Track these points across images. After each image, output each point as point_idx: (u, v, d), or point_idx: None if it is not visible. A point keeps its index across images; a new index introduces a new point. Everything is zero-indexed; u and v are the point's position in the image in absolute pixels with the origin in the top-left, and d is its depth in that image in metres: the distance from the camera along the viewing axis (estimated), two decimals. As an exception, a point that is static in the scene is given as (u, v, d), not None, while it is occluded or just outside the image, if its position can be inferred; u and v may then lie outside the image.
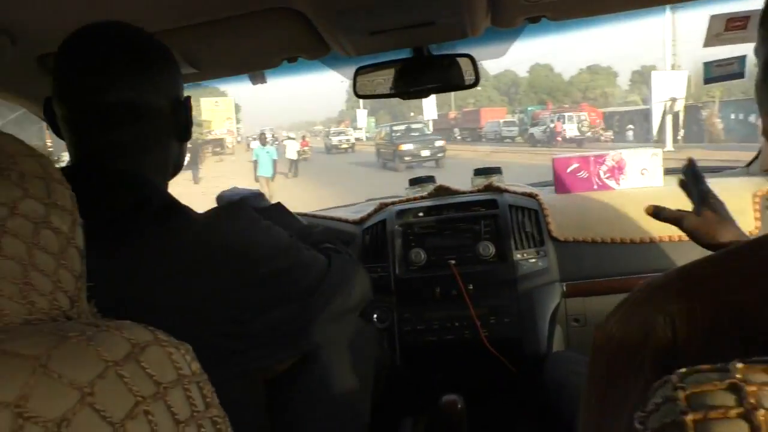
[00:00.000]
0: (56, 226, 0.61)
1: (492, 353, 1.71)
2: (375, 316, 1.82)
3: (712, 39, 1.53)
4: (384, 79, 1.60)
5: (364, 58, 1.57)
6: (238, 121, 54.11)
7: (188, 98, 0.97)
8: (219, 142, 38.11)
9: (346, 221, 2.01)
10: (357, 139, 38.18)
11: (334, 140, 34.81)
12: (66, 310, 0.60)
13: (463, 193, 2.02)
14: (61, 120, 0.91)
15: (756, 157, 1.98)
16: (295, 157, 20.86)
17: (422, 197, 2.05)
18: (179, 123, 0.95)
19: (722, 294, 0.53)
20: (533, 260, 1.78)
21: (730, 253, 0.56)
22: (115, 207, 0.83)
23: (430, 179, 2.19)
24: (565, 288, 1.78)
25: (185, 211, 0.87)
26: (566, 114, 30.96)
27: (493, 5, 1.26)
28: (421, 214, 1.93)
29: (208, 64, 1.41)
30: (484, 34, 1.44)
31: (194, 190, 17.92)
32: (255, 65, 1.51)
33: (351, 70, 1.63)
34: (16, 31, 1.10)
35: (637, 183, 1.91)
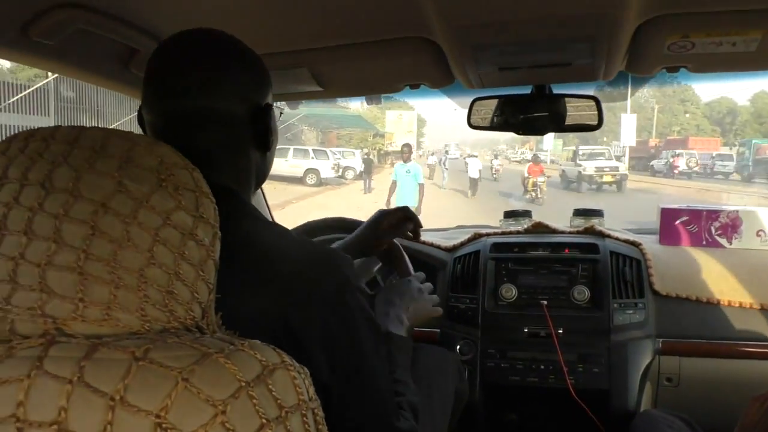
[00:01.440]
0: (200, 239, 0.63)
1: (577, 403, 1.65)
2: (458, 347, 1.80)
3: None
4: (500, 112, 1.58)
5: (483, 90, 1.56)
6: (421, 135, 54.72)
7: (269, 106, 0.92)
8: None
9: (438, 247, 2.00)
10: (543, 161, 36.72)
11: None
12: (199, 320, 0.62)
13: (562, 232, 1.98)
14: (147, 127, 0.91)
15: None
16: (476, 176, 18.89)
17: (518, 232, 2.01)
18: (258, 131, 0.91)
19: None
20: (630, 311, 1.71)
21: None
22: None
23: (527, 213, 2.15)
24: (660, 345, 1.70)
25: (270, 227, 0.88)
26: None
27: (632, 52, 1.23)
28: (516, 249, 1.89)
29: (332, 84, 1.44)
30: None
31: (365, 199, 17.91)
32: (378, 89, 1.54)
33: (467, 99, 1.63)
34: (161, 34, 1.16)
35: (752, 244, 1.81)
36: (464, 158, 19.50)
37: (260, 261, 0.83)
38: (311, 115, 27.77)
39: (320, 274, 0.84)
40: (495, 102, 1.57)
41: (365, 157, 24.26)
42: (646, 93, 50.29)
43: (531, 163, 18.91)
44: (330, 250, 0.95)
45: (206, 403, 0.48)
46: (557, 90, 1.52)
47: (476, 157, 20.23)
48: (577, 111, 1.51)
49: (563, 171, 25.19)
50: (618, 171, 21.84)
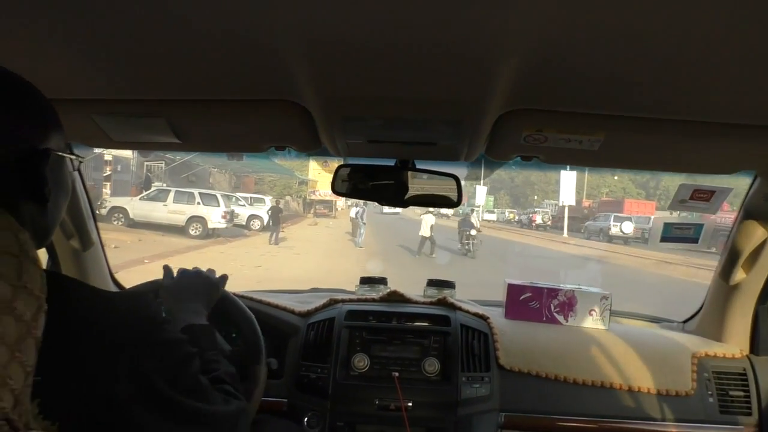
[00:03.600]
0: (20, 313, 0.53)
1: None
2: (306, 419, 1.71)
3: (676, 204, 1.62)
4: (364, 181, 1.58)
5: (348, 158, 1.56)
6: None
7: (47, 151, 0.79)
8: (328, 204, 34.75)
9: (292, 311, 1.92)
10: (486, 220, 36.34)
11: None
12: (9, 411, 0.52)
13: (416, 303, 1.99)
14: None
15: (694, 316, 2.07)
16: (428, 234, 16.48)
17: (374, 299, 2.00)
18: (27, 179, 0.78)
19: None
20: (477, 385, 1.74)
21: None
22: None
23: (383, 281, 2.16)
24: (503, 419, 1.74)
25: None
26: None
27: (492, 139, 1.29)
28: (371, 317, 1.87)
29: (192, 137, 1.35)
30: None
31: (269, 249, 15.71)
32: (242, 147, 1.47)
33: (331, 163, 1.61)
34: None
35: (585, 323, 1.95)
36: (420, 215, 18.08)
37: (78, 333, 0.75)
38: (219, 154, 24.24)
39: (144, 335, 0.83)
40: (359, 170, 1.57)
41: (274, 205, 20.89)
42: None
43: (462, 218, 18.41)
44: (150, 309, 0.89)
45: None
46: (421, 165, 1.56)
47: (431, 213, 17.54)
48: (439, 186, 1.55)
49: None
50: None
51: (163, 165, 26.28)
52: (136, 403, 0.78)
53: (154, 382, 0.81)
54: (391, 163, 1.56)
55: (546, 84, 0.99)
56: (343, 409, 1.72)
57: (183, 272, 1.43)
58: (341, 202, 35.51)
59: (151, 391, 0.80)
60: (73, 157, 0.86)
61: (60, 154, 0.82)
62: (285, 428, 1.62)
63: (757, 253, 1.68)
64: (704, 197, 1.57)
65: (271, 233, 18.61)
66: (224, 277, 1.48)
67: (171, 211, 18.08)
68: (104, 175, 23.84)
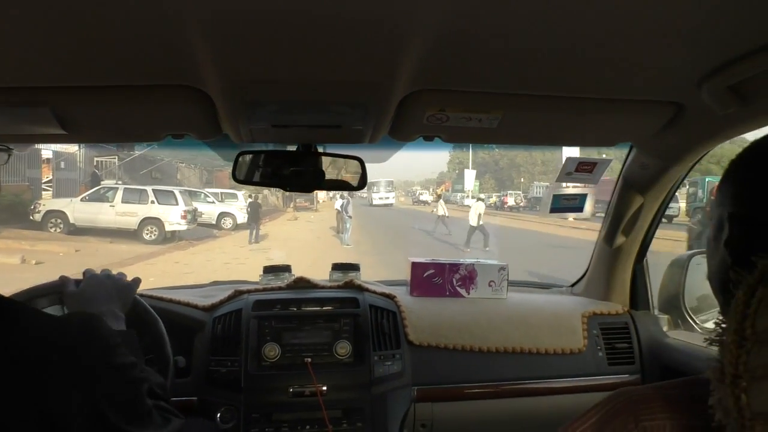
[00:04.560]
0: None
1: None
2: (218, 415, 1.66)
3: (563, 176, 1.74)
4: (266, 167, 1.55)
5: (250, 144, 1.52)
6: None
7: None
8: (309, 197, 30.52)
9: (195, 307, 1.85)
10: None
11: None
12: None
13: (323, 288, 1.99)
14: None
15: (579, 280, 2.24)
16: (476, 223, 14.81)
17: (280, 288, 1.97)
18: None
19: (698, 416, 0.58)
20: (389, 363, 1.78)
21: (700, 380, 0.61)
22: None
23: (287, 268, 2.13)
24: (415, 393, 1.79)
25: None
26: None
27: (396, 120, 1.31)
28: (279, 306, 1.84)
29: (79, 127, 1.25)
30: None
31: (238, 255, 13.35)
32: (136, 137, 1.38)
33: (230, 153, 1.56)
34: None
35: (485, 293, 2.05)
36: (466, 197, 16.35)
37: (24, 360, 0.72)
38: (182, 149, 21.24)
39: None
40: (260, 156, 1.53)
41: (252, 200, 18.18)
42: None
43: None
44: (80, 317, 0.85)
45: None
46: (323, 148, 1.55)
47: (481, 199, 15.85)
48: (342, 170, 1.55)
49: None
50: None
51: (116, 160, 22.55)
52: None
53: (107, 415, 0.77)
54: (293, 148, 1.54)
55: (449, 64, 1.03)
56: (258, 401, 1.69)
57: (91, 276, 1.34)
58: (322, 194, 33.31)
59: (103, 423, 0.77)
60: (8, 149, 0.79)
61: (5, 147, 0.74)
62: (198, 427, 1.57)
63: (635, 217, 1.85)
64: (587, 168, 1.70)
65: (250, 231, 16.52)
66: (137, 280, 1.41)
67: (120, 212, 15.35)
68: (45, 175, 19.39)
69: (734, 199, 0.66)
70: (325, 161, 1.53)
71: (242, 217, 18.65)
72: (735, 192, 0.66)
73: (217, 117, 1.25)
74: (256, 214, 17.04)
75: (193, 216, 16.27)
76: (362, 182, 1.56)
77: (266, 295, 1.91)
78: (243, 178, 1.55)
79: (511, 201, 34.68)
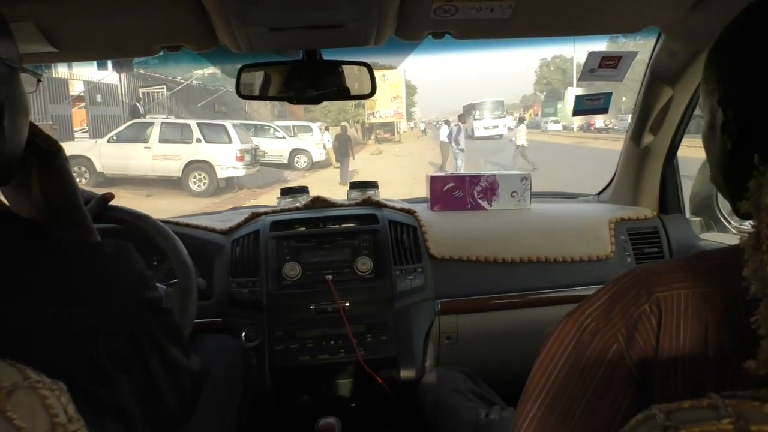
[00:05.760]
0: None
1: (368, 373, 1.66)
2: (243, 334, 1.68)
3: (586, 74, 1.63)
4: (271, 80, 1.49)
5: (250, 56, 1.45)
6: (411, 104, 40.26)
7: None
8: (390, 127, 28.56)
9: (213, 230, 1.84)
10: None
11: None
12: None
13: (341, 206, 1.96)
14: None
15: (606, 187, 2.16)
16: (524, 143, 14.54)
17: (297, 208, 1.95)
18: None
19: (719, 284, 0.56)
20: (411, 277, 1.76)
21: (729, 250, 0.59)
22: None
23: (304, 189, 2.10)
24: (439, 306, 1.78)
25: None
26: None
27: (401, 16, 1.22)
28: (296, 225, 1.82)
29: (69, 43, 1.20)
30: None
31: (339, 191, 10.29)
32: (128, 51, 1.32)
33: (233, 69, 1.50)
34: None
35: (508, 205, 1.99)
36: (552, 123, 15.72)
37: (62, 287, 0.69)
38: (182, 65, 18.02)
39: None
40: (266, 68, 1.47)
41: (340, 132, 15.58)
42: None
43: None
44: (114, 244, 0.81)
45: None
46: (330, 56, 1.48)
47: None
48: (350, 78, 1.48)
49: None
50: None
51: (164, 90, 19.35)
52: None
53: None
54: (298, 57, 1.46)
55: None
56: (280, 319, 1.70)
57: None
58: (404, 124, 30.54)
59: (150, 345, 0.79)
60: (38, 75, 0.74)
61: (10, 64, 0.69)
62: (223, 342, 1.58)
63: (663, 113, 1.75)
64: (612, 63, 1.59)
65: (341, 169, 14.15)
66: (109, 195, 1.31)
67: (158, 155, 12.03)
68: (78, 108, 16.11)
69: (721, 83, 0.63)
70: (331, 69, 1.46)
71: (318, 155, 16.25)
72: (720, 76, 0.64)
73: (211, 24, 1.18)
74: (345, 149, 14.74)
75: (252, 156, 13.07)
76: (373, 89, 1.49)
77: (283, 215, 1.89)
78: (247, 93, 1.49)
79: (599, 123, 32.26)
